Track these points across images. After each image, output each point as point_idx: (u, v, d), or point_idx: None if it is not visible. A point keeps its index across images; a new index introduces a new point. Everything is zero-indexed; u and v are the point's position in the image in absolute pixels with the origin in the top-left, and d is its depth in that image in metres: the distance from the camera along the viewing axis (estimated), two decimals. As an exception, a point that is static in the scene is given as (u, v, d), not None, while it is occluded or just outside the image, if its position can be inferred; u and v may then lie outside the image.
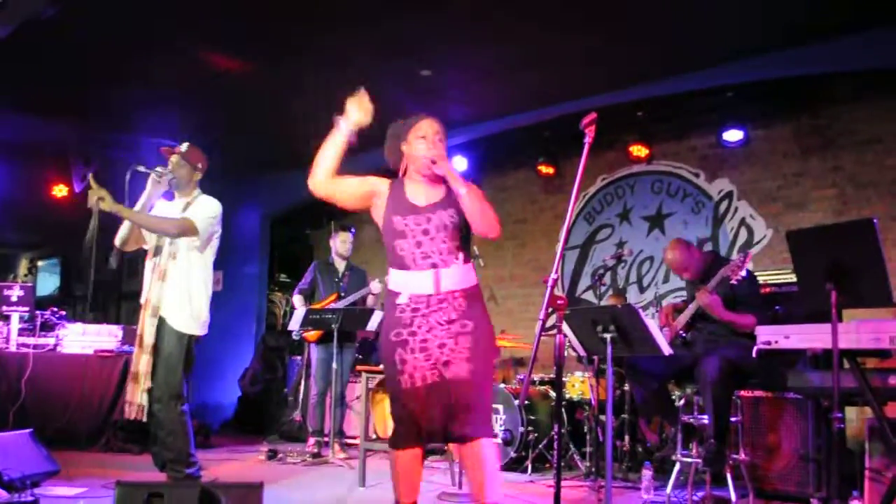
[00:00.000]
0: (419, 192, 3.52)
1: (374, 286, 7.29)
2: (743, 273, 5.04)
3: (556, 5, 5.79)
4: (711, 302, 5.17)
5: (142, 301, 4.81)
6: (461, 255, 3.37)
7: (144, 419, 4.68)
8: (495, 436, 3.32)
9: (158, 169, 4.87)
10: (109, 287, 12.46)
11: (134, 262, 12.40)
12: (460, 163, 9.01)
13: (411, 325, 3.33)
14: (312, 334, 7.26)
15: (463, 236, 3.42)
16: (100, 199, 4.54)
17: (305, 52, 6.72)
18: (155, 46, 6.62)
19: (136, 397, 4.65)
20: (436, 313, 3.31)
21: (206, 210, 4.86)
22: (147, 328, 4.70)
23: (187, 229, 4.74)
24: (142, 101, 7.93)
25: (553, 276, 2.89)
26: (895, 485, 3.89)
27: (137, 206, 4.81)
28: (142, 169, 4.82)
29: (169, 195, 5.02)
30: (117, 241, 4.92)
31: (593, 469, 5.91)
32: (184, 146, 4.99)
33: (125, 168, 4.78)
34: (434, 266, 3.34)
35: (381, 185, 3.67)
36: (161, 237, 4.83)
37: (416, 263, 3.37)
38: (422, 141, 3.53)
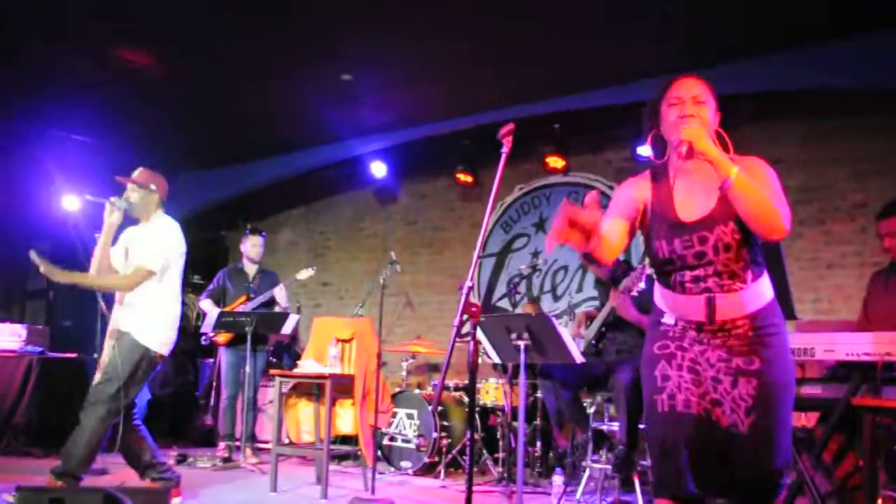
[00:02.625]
0: (687, 196, 2.73)
1: (280, 294, 7.27)
2: (642, 285, 5.17)
3: (474, 16, 5.85)
4: (622, 302, 5.29)
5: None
6: (750, 273, 2.64)
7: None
8: None
9: (112, 199, 4.80)
10: (13, 284, 12.07)
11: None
12: (379, 168, 9.02)
13: (682, 339, 2.73)
14: (222, 337, 7.16)
15: (754, 249, 2.66)
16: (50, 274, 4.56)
17: (222, 51, 6.64)
18: (68, 41, 6.47)
19: None
20: (712, 342, 2.68)
21: (158, 243, 4.80)
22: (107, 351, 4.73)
23: (142, 278, 4.71)
24: (53, 96, 7.70)
25: (468, 283, 2.90)
26: (792, 491, 4.04)
27: (100, 243, 4.80)
28: (91, 198, 4.82)
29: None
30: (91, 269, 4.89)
31: (505, 474, 5.98)
32: (136, 172, 4.95)
33: (32, 163, 4.70)
34: (706, 292, 2.66)
35: (636, 196, 2.85)
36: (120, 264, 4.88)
37: (684, 289, 2.72)
38: (675, 110, 2.69)
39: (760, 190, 2.48)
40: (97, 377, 4.67)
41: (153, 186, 4.94)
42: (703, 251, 2.64)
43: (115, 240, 4.91)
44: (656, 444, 2.68)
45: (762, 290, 2.68)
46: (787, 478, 2.74)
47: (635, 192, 2.86)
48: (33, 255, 4.61)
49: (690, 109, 2.66)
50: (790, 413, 2.63)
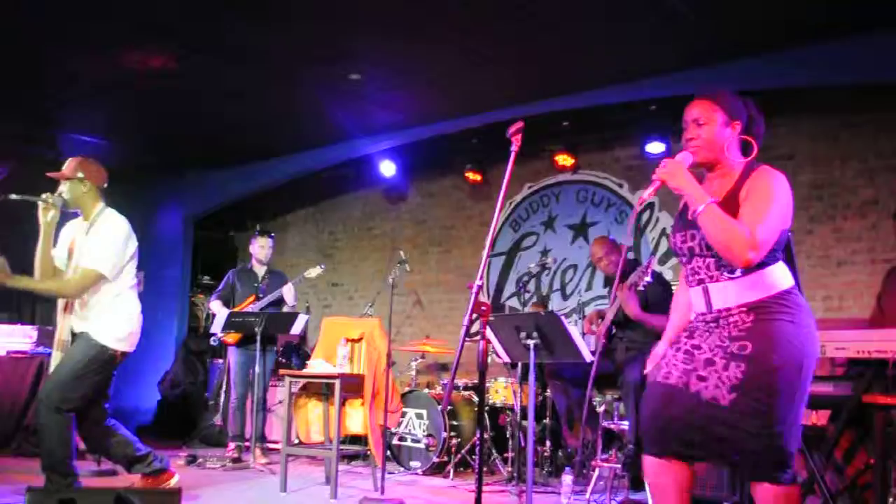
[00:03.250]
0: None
1: (288, 293, 7.26)
2: (648, 279, 5.16)
3: (484, 15, 5.84)
4: (626, 297, 5.28)
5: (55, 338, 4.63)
6: (739, 269, 2.81)
7: None
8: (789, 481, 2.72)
9: (44, 196, 4.52)
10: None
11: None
12: (388, 168, 9.03)
13: (693, 330, 2.96)
14: (232, 338, 7.18)
15: None
16: None
17: (230, 51, 6.65)
18: (73, 42, 6.47)
19: None
20: (716, 331, 2.87)
21: (108, 245, 4.54)
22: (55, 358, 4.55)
23: (91, 281, 4.49)
24: (60, 97, 7.73)
25: (478, 282, 2.90)
26: (804, 489, 4.02)
27: (40, 245, 4.55)
28: (15, 197, 4.46)
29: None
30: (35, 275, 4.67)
31: (515, 474, 5.97)
32: (65, 164, 4.66)
33: (43, 165, 4.58)
34: (701, 282, 2.92)
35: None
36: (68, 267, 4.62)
37: (688, 281, 3.01)
38: (685, 134, 3.00)
39: (721, 228, 2.72)
40: (55, 370, 4.48)
41: (80, 175, 4.59)
42: (693, 247, 2.92)
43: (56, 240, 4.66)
44: (641, 409, 3.04)
45: (764, 282, 2.81)
46: (794, 471, 2.76)
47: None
48: None
49: (692, 133, 2.96)
50: (794, 396, 2.72)
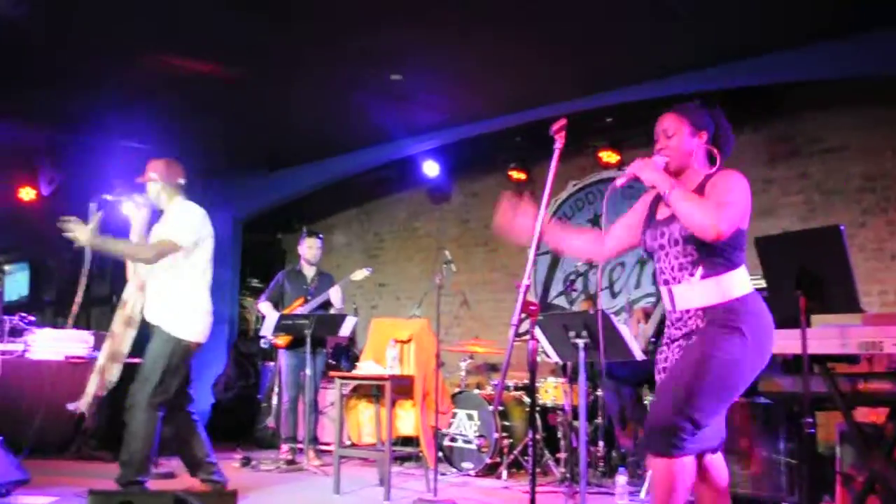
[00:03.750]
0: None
1: (335, 296, 7.29)
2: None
3: (526, 12, 5.82)
4: None
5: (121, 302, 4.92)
6: (700, 269, 3.00)
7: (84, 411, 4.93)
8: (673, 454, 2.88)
9: (134, 196, 4.95)
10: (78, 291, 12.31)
11: (103, 266, 12.28)
12: (431, 168, 9.04)
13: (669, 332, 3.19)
14: (282, 340, 7.23)
15: (704, 247, 3.00)
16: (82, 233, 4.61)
17: (277, 56, 6.71)
18: (125, 49, 6.57)
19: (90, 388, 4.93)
20: (678, 331, 3.11)
21: (183, 220, 4.86)
22: (116, 326, 4.87)
23: (166, 250, 4.77)
24: (111, 104, 7.85)
25: (525, 281, 2.90)
26: (866, 489, 3.96)
27: (134, 239, 4.91)
28: (111, 198, 4.91)
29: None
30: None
31: (568, 475, 5.93)
32: (150, 168, 5.03)
33: (93, 171, 4.82)
34: (666, 283, 3.14)
35: (646, 200, 3.42)
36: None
37: (657, 279, 3.24)
38: (656, 145, 3.25)
39: (691, 203, 2.95)
40: (139, 371, 4.79)
41: (153, 175, 4.98)
42: (662, 244, 3.13)
43: None
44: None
45: (722, 287, 2.98)
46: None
47: (646, 197, 3.40)
48: (93, 207, 4.74)
49: (662, 143, 3.20)
50: (715, 387, 2.88)
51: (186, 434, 4.98)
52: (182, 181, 5.07)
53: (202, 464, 4.99)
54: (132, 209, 4.93)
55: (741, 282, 3.00)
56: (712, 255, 2.99)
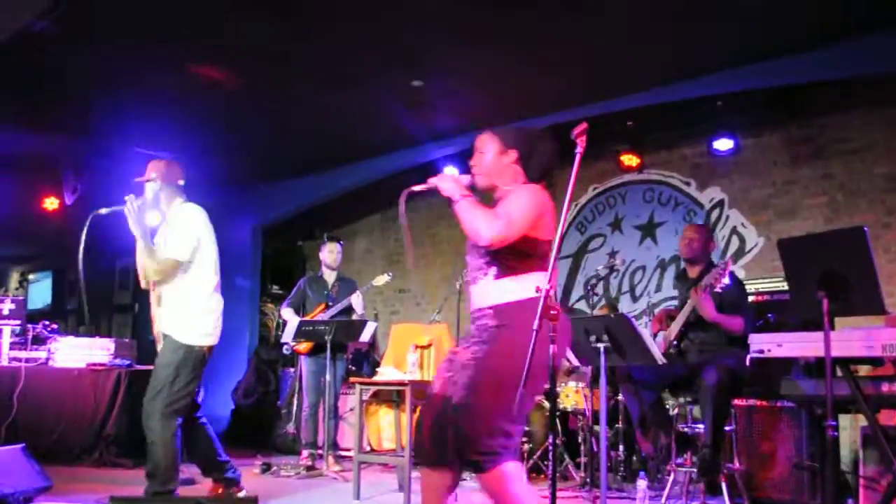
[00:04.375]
0: None
1: (356, 301, 7.29)
2: (726, 281, 5.06)
3: (547, 16, 5.81)
4: (702, 300, 5.18)
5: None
6: (493, 270, 3.18)
7: None
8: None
9: (126, 198, 4.75)
10: (101, 299, 12.43)
11: (125, 275, 12.38)
12: (452, 173, 9.03)
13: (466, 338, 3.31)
14: (303, 346, 7.24)
15: (496, 252, 3.16)
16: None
17: (297, 63, 6.73)
18: (146, 58, 6.62)
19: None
20: (476, 330, 3.24)
21: (179, 232, 4.79)
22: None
23: (168, 269, 4.75)
24: (133, 112, 7.90)
25: (546, 286, 2.89)
26: (890, 492, 3.90)
27: (138, 248, 4.79)
28: (103, 211, 4.74)
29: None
30: (141, 283, 5.02)
31: (588, 479, 5.90)
32: (150, 168, 4.96)
33: (117, 179, 4.79)
34: (467, 284, 3.35)
35: None
36: None
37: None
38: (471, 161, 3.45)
39: (472, 213, 3.16)
40: (151, 380, 4.73)
41: (153, 175, 4.90)
42: (469, 248, 3.32)
43: None
44: None
45: (507, 289, 3.14)
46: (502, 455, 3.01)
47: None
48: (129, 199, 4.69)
49: (474, 160, 3.39)
50: (501, 399, 2.97)
51: (194, 437, 4.97)
52: (182, 182, 5.00)
53: (215, 463, 4.99)
54: (128, 214, 4.74)
55: (523, 287, 3.11)
56: (503, 259, 3.15)
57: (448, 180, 3.31)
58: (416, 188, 3.37)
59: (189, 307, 4.78)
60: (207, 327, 4.82)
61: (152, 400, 4.64)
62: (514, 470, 3.06)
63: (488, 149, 3.36)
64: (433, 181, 3.32)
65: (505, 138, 3.35)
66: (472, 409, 3.01)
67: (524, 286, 3.10)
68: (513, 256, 3.15)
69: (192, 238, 4.78)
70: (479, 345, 3.13)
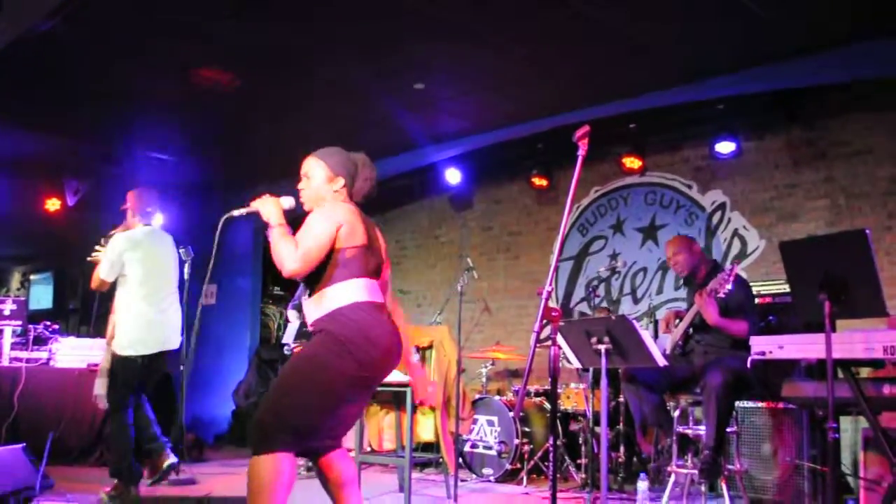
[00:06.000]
0: None
1: None
2: (729, 287, 5.05)
3: (549, 19, 5.81)
4: (705, 303, 5.17)
5: None
6: (312, 288, 3.31)
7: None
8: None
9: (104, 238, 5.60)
10: (102, 301, 12.41)
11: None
12: (454, 175, 9.05)
13: None
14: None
15: (324, 266, 3.27)
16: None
17: (299, 66, 6.73)
18: (148, 61, 6.62)
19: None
20: None
21: (106, 254, 5.31)
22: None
23: (96, 283, 5.38)
24: (134, 115, 7.91)
25: (547, 288, 2.89)
26: (891, 494, 3.90)
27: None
28: (96, 253, 5.54)
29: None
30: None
31: (589, 481, 5.90)
32: (128, 198, 5.62)
33: (118, 182, 5.05)
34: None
35: None
36: None
37: None
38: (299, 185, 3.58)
39: (281, 243, 3.23)
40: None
41: (128, 205, 5.58)
42: None
43: None
44: None
45: (323, 302, 3.23)
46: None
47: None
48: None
49: (301, 184, 3.48)
50: (301, 392, 3.12)
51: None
52: (150, 209, 5.56)
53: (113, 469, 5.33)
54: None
55: (342, 294, 3.22)
56: (318, 275, 3.25)
57: (269, 204, 3.38)
58: (236, 213, 3.48)
59: (121, 319, 5.33)
60: (133, 337, 5.29)
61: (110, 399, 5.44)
62: (283, 464, 3.12)
63: (315, 174, 3.45)
64: (254, 205, 3.40)
65: (333, 165, 3.44)
66: (266, 397, 3.25)
67: (341, 294, 3.22)
68: (325, 270, 3.25)
69: (110, 262, 5.28)
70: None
